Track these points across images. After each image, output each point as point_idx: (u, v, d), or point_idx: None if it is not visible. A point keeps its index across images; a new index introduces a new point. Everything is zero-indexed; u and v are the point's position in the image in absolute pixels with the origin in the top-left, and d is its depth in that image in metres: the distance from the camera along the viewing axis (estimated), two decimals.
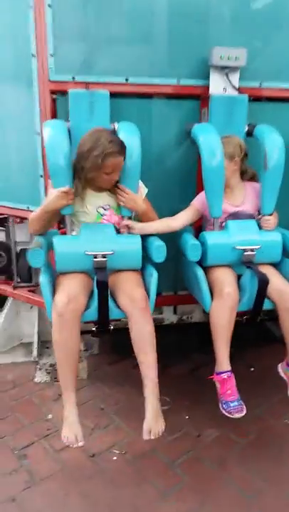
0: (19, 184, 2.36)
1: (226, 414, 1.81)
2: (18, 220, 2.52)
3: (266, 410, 2.18)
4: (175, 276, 2.35)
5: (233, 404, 1.80)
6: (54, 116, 2.10)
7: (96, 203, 1.93)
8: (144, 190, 2.01)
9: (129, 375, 2.39)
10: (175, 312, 2.62)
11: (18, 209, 2.38)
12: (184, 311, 2.63)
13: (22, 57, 2.09)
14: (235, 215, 2.07)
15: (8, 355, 2.68)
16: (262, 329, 2.87)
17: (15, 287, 2.58)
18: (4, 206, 2.47)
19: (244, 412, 1.80)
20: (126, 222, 1.93)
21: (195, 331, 2.69)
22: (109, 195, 1.95)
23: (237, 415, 1.78)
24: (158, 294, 2.47)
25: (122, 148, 1.80)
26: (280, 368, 2.06)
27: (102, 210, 1.95)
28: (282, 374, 2.06)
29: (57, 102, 2.10)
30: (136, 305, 1.74)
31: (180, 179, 2.28)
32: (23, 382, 2.41)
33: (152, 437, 1.73)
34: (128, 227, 1.93)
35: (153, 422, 1.73)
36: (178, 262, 2.16)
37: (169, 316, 2.62)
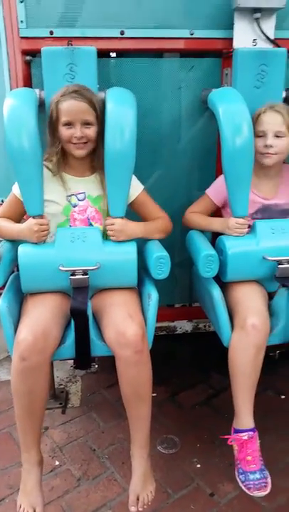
0: None
1: (243, 488, 1.34)
2: None
3: None
4: (191, 283, 1.91)
5: (253, 477, 1.32)
6: (29, 84, 1.63)
7: (69, 189, 1.47)
8: (138, 187, 1.51)
9: None
10: (190, 319, 2.16)
11: None
12: (201, 319, 2.15)
13: None
14: (264, 211, 1.58)
15: None
16: None
17: None
18: None
19: (268, 489, 1.32)
20: (109, 221, 1.42)
21: (214, 343, 2.20)
22: (94, 181, 1.49)
23: (257, 494, 1.31)
24: (170, 306, 2.09)
25: (82, 89, 1.39)
26: None
27: (74, 200, 1.47)
28: None
29: (32, 66, 1.62)
30: (128, 346, 1.27)
31: (196, 163, 1.82)
32: (4, 409, 2.03)
33: (140, 509, 1.35)
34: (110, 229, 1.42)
35: (140, 488, 1.35)
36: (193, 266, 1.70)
37: (182, 325, 2.17)
